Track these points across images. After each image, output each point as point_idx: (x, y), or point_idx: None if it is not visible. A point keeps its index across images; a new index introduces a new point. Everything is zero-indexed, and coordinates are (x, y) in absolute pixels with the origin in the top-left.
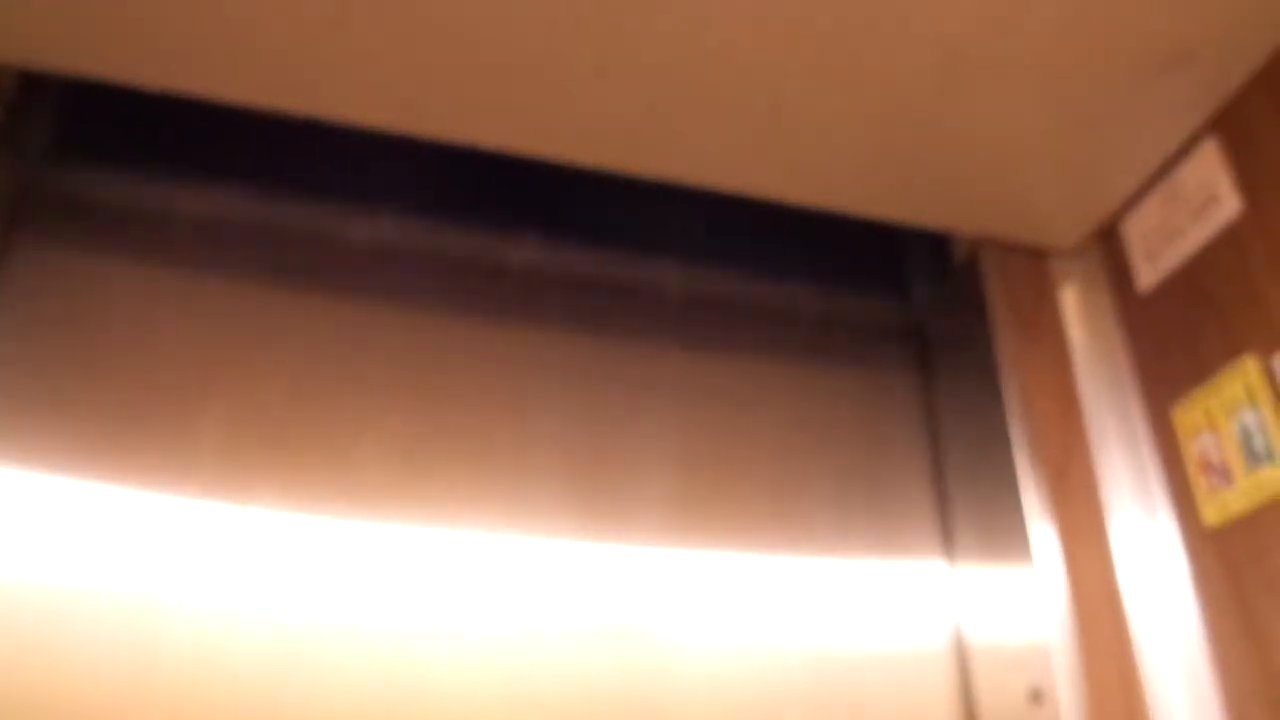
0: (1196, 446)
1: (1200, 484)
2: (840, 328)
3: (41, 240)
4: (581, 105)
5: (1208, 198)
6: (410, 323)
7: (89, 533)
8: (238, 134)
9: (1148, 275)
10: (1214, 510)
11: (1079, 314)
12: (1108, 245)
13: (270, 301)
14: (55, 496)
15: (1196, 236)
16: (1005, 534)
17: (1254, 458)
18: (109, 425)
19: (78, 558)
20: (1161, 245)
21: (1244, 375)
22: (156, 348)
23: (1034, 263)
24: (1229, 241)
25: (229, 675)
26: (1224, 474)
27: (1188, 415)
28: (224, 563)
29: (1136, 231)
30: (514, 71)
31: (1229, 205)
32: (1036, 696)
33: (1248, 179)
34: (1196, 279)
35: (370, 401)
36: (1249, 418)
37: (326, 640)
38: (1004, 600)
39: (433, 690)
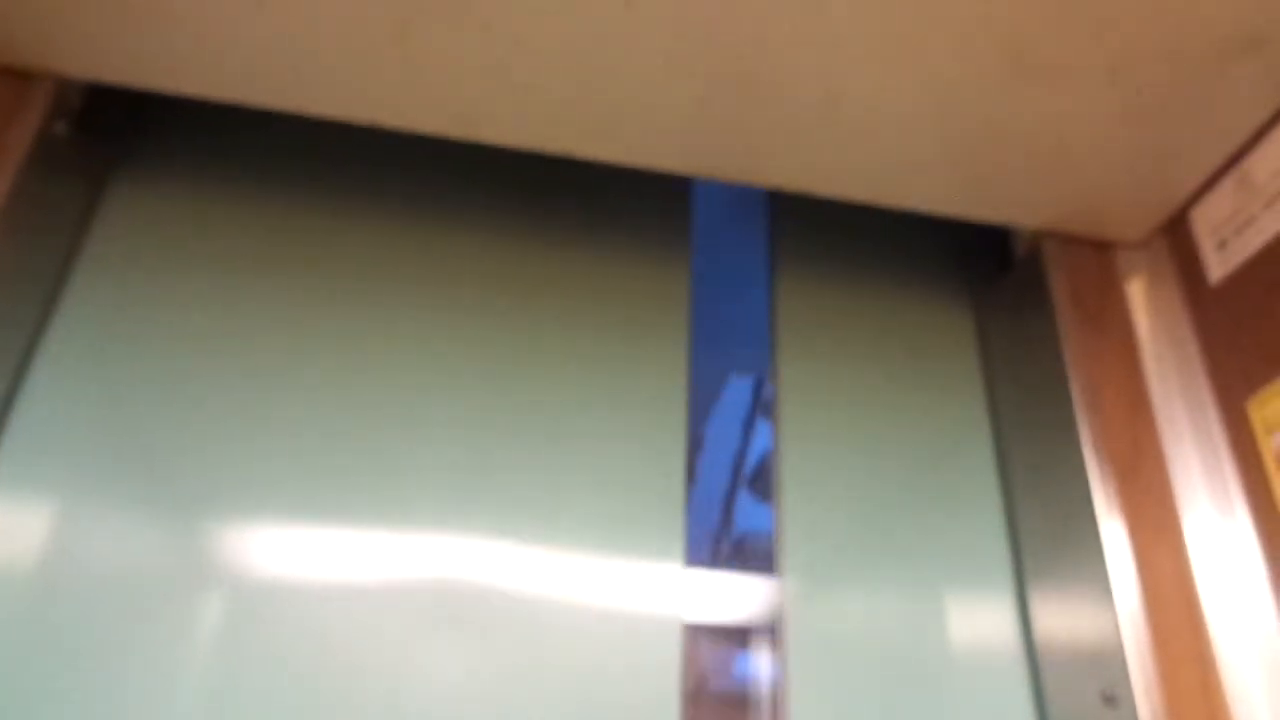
0: (1274, 441)
1: (1278, 480)
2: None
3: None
4: (634, 105)
5: None
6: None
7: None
8: (296, 142)
9: (1219, 266)
10: None
11: (1147, 307)
12: (1176, 236)
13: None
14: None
15: (1270, 226)
16: (1075, 534)
17: None
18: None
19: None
20: (1233, 236)
21: None
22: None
23: (1099, 255)
24: None
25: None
26: None
27: (1264, 409)
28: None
29: (1206, 222)
30: (573, 74)
31: None
32: (1110, 700)
33: None
34: (1271, 269)
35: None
36: None
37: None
38: (1076, 602)
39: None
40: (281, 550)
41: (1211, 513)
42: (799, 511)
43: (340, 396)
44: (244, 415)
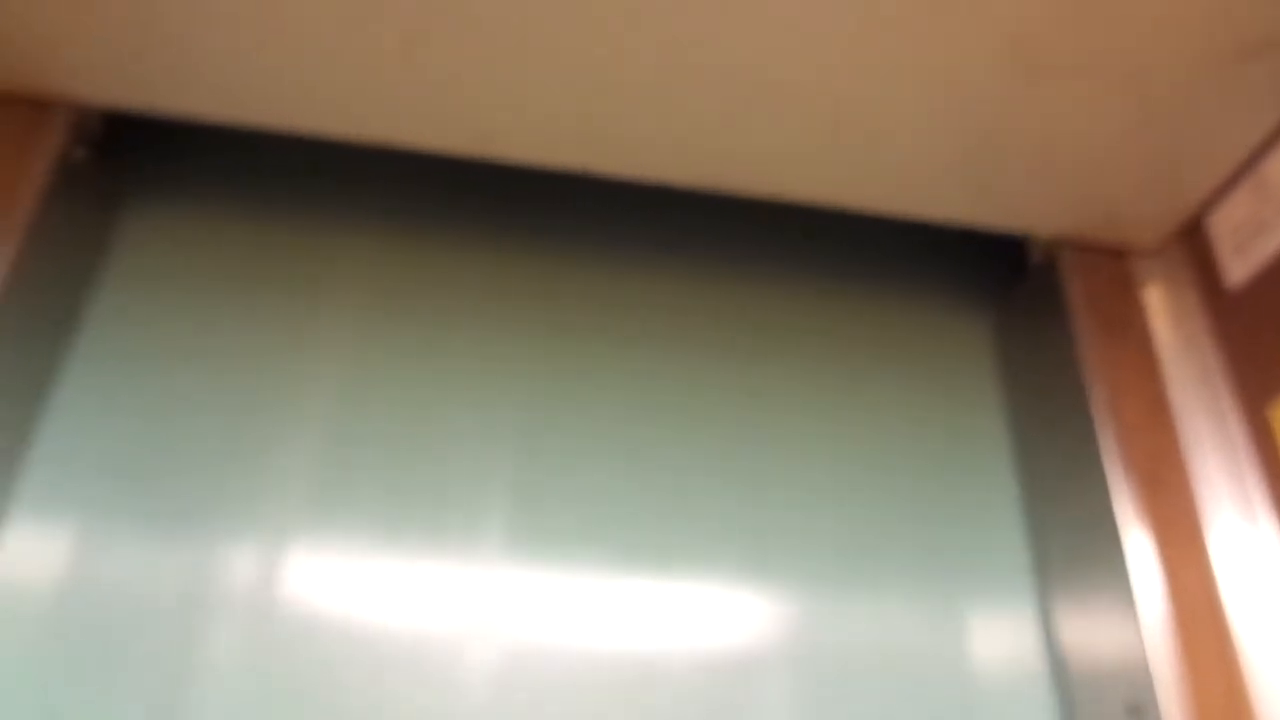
0: None
1: None
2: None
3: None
4: (645, 119)
5: None
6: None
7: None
8: (314, 162)
9: (1237, 271)
10: None
11: (1165, 313)
12: (1193, 242)
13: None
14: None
15: None
16: (1098, 544)
17: None
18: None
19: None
20: (1251, 239)
21: None
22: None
23: (1116, 262)
24: None
25: None
26: None
27: None
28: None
29: (1223, 226)
30: (583, 88)
31: None
32: (1135, 712)
33: None
34: None
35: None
36: None
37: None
38: (1100, 614)
39: None
40: (305, 577)
41: (1236, 521)
42: (813, 528)
43: (367, 420)
44: (268, 438)
